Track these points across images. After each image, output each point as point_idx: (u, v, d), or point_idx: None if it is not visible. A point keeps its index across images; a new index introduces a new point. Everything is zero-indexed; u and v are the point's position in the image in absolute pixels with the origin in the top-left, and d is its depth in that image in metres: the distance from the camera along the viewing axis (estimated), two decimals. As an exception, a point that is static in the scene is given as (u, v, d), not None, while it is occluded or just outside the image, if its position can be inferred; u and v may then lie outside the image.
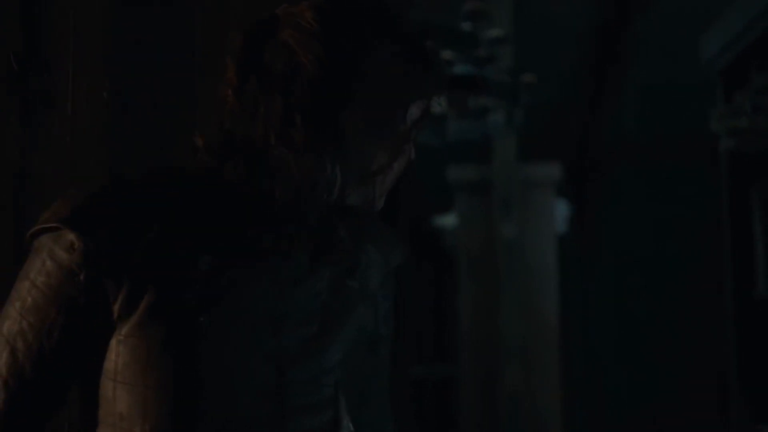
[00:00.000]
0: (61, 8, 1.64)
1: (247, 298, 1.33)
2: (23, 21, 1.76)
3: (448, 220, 8.34)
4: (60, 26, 1.45)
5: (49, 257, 1.29)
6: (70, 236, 1.28)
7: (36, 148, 1.78)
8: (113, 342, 1.30)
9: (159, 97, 1.85)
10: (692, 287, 8.35)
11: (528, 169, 7.50)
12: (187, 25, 1.88)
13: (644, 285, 8.85)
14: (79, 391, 1.37)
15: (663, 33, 7.61)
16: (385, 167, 1.39)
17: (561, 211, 8.03)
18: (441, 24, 5.47)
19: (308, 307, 1.38)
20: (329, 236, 1.42)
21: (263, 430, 1.32)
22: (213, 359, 1.29)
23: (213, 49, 1.87)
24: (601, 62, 8.42)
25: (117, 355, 1.30)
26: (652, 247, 8.85)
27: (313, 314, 1.38)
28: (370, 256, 1.50)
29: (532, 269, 7.51)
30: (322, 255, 1.41)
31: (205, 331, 1.29)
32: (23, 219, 1.74)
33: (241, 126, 1.35)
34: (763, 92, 4.67)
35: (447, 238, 8.47)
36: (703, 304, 7.92)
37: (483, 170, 7.54)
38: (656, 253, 8.81)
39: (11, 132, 1.79)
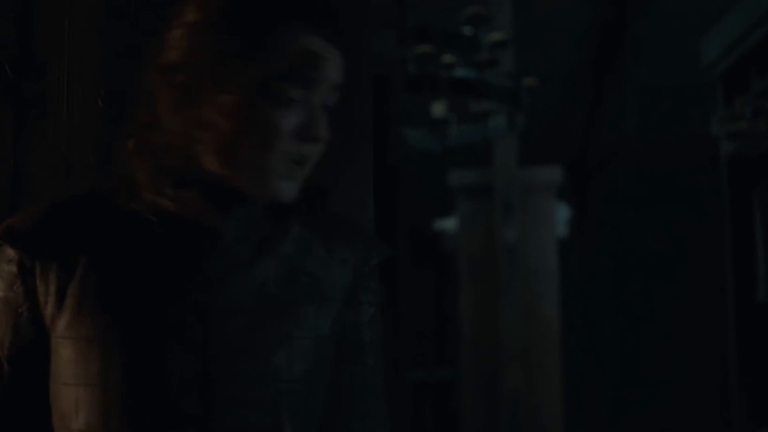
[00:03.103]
0: (56, 14, 1.65)
1: (170, 291, 1.34)
2: (18, 27, 1.76)
3: (449, 224, 8.33)
4: (55, 32, 1.46)
5: (2, 269, 1.38)
6: (10, 249, 1.37)
7: (31, 154, 1.78)
8: (52, 345, 1.36)
9: (154, 104, 1.85)
10: (693, 291, 8.33)
11: (529, 173, 7.49)
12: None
13: (645, 288, 8.84)
14: None
15: (663, 36, 7.60)
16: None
17: (562, 214, 8.02)
18: (442, 28, 5.46)
19: (240, 300, 1.36)
20: (279, 231, 1.42)
21: (189, 423, 1.31)
22: (136, 353, 1.31)
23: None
24: (601, 66, 8.41)
25: (56, 356, 1.35)
26: (653, 250, 8.84)
27: (247, 307, 1.36)
28: (335, 254, 1.46)
29: (532, 273, 7.50)
30: (266, 248, 1.40)
31: (126, 326, 1.32)
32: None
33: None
34: (763, 96, 4.66)
35: (448, 242, 8.46)
36: (704, 307, 7.91)
37: (484, 174, 7.53)
38: (657, 257, 8.80)
39: (6, 138, 1.79)
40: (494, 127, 5.82)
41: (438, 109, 5.67)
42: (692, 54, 6.03)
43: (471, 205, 7.67)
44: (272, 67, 1.33)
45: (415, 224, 8.06)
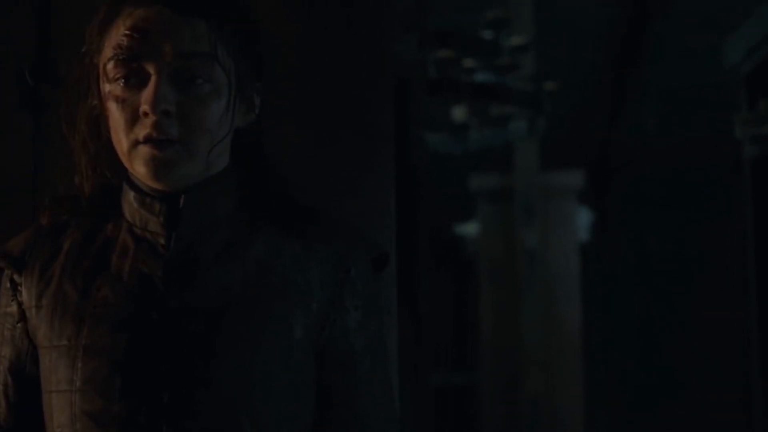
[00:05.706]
0: (76, 22, 1.65)
1: (130, 297, 1.36)
2: (37, 33, 1.76)
3: (470, 228, 8.32)
4: (74, 39, 1.46)
5: (3, 287, 1.46)
6: (6, 269, 1.45)
7: (49, 159, 1.78)
8: (39, 355, 1.41)
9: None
10: (715, 293, 8.30)
11: (549, 177, 7.47)
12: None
13: (666, 291, 8.81)
14: None
15: (684, 38, 7.57)
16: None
17: (583, 218, 8.00)
18: (462, 32, 5.46)
19: (202, 303, 1.36)
20: (247, 232, 1.41)
21: (151, 424, 1.31)
22: (99, 358, 1.34)
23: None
24: (622, 68, 8.38)
25: (41, 366, 1.40)
26: (675, 253, 8.81)
27: (208, 311, 1.35)
28: (312, 252, 1.42)
29: (553, 277, 7.48)
30: (232, 251, 1.39)
31: (89, 333, 1.35)
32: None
33: None
34: (787, 99, 4.64)
35: (468, 246, 8.45)
36: (726, 310, 7.87)
37: (504, 178, 7.51)
38: (679, 260, 8.77)
39: (25, 143, 1.80)
40: (515, 131, 5.81)
41: (459, 113, 5.67)
42: (714, 55, 6.00)
43: (492, 209, 7.65)
44: (105, 54, 1.37)
45: (436, 228, 8.05)
